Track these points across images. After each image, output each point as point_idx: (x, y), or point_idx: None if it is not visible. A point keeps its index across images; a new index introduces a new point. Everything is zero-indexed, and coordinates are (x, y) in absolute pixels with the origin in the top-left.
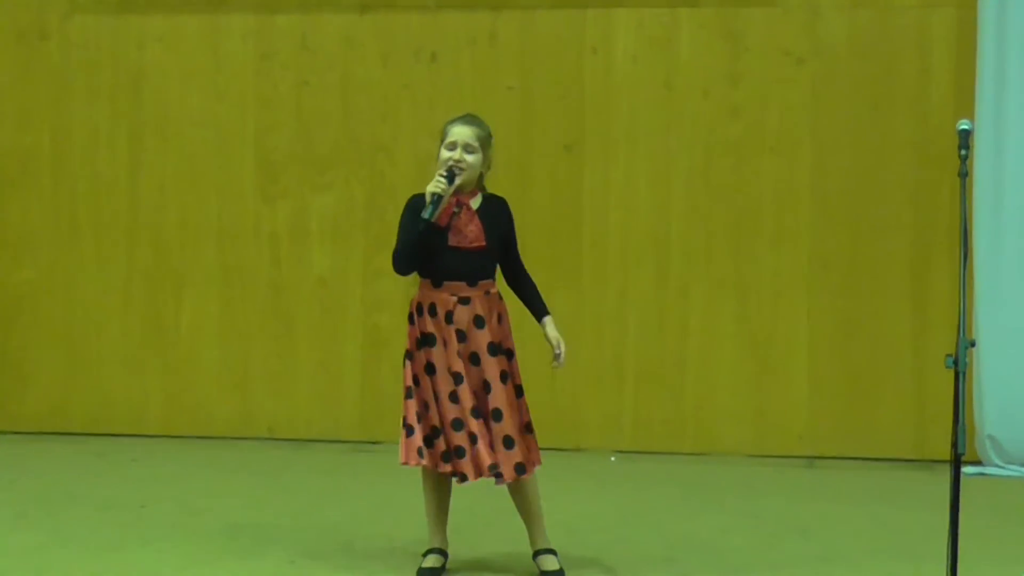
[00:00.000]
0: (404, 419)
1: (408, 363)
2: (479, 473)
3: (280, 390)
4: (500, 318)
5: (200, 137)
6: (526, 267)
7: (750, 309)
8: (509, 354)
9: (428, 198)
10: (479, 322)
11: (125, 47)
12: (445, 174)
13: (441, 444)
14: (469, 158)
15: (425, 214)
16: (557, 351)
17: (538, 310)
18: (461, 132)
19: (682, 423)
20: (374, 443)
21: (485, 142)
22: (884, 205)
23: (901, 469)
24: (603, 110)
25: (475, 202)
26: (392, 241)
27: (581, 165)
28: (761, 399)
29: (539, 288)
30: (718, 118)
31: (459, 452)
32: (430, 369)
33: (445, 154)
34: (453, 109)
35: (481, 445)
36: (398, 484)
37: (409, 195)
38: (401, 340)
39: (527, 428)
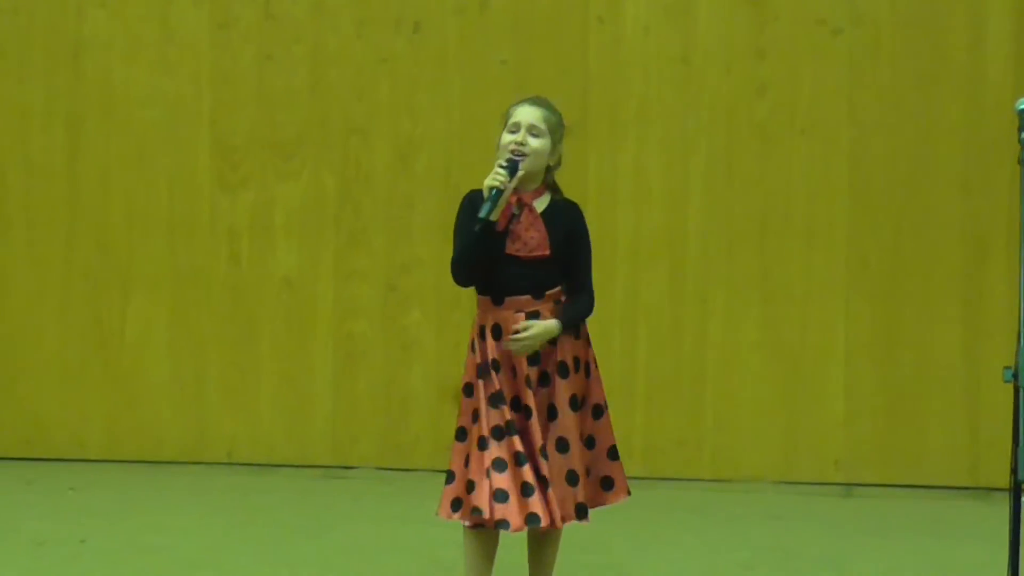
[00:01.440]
0: (450, 463)
1: (466, 399)
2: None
3: (240, 408)
4: (577, 332)
5: (148, 118)
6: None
7: (778, 315)
8: (587, 370)
9: (485, 193)
10: (550, 341)
11: (61, 14)
12: (505, 164)
13: (487, 485)
14: (534, 143)
15: (482, 212)
16: (516, 328)
17: (555, 316)
18: (526, 113)
19: (700, 445)
20: (348, 468)
21: (555, 128)
22: (932, 196)
23: (952, 498)
24: (610, 88)
25: (540, 203)
26: (368, 236)
27: (585, 151)
28: (791, 418)
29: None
30: (742, 97)
31: (526, 490)
32: (495, 400)
33: (506, 138)
34: (438, 86)
35: (537, 494)
36: (377, 516)
37: (387, 182)
38: (379, 350)
39: (611, 454)
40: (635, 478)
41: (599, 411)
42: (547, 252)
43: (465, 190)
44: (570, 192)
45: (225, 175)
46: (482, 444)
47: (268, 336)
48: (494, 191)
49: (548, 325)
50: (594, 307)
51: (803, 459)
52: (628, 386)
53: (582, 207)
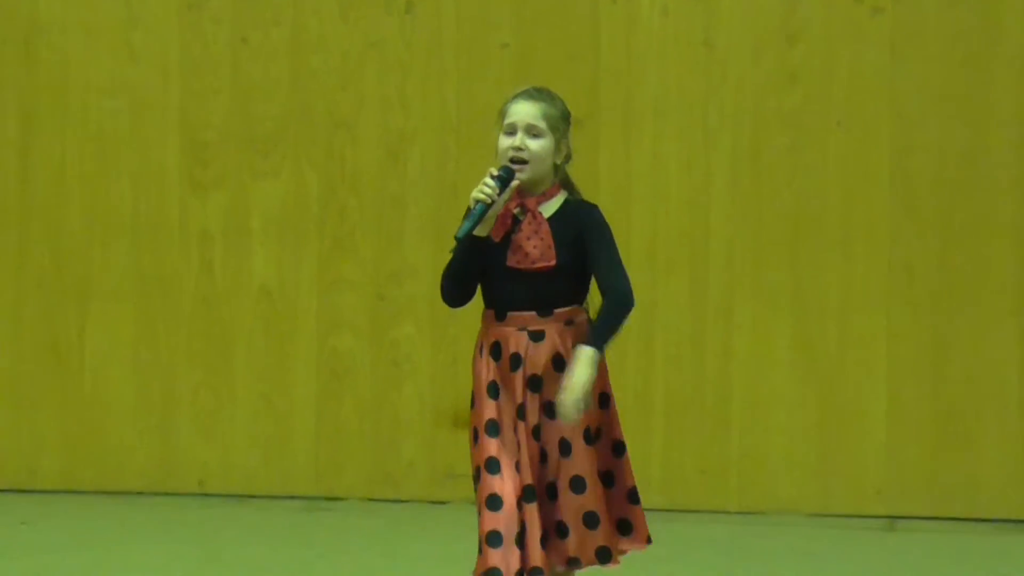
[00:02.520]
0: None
1: (473, 412)
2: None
3: (213, 432)
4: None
5: (110, 109)
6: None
7: (812, 330)
8: (603, 400)
9: (471, 204)
10: (558, 363)
11: None
12: (497, 174)
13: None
14: (534, 145)
15: (460, 230)
16: (561, 396)
17: (588, 334)
18: (522, 110)
19: (725, 474)
20: (333, 499)
21: (557, 123)
22: (984, 196)
23: (1006, 532)
24: (624, 75)
25: (550, 207)
26: (355, 241)
27: (596, 146)
28: (827, 444)
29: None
30: (771, 85)
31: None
32: (491, 429)
33: (503, 142)
34: (433, 74)
35: (529, 539)
36: (365, 553)
37: (376, 181)
38: (367, 367)
39: (631, 496)
40: (653, 510)
41: (620, 448)
42: (551, 263)
43: (463, 189)
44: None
45: (196, 173)
46: (478, 476)
47: (244, 352)
48: (478, 206)
49: (583, 359)
50: (631, 301)
51: (841, 489)
52: (645, 408)
53: None
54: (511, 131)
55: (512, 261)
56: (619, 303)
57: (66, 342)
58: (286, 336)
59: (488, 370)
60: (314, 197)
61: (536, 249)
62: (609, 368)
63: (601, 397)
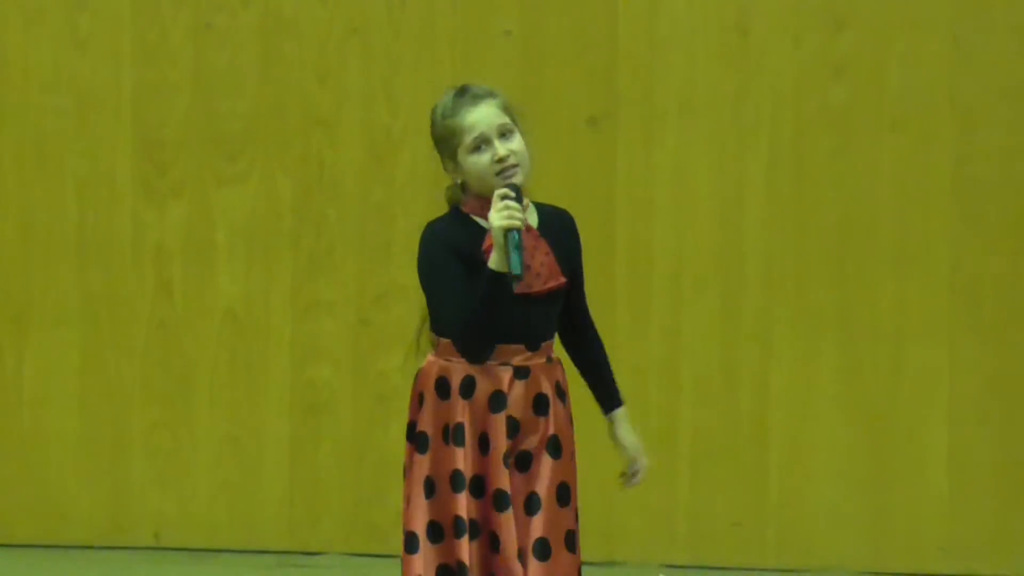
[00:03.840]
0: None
1: (413, 456)
2: None
3: (171, 477)
4: (564, 396)
5: (52, 107)
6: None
7: (862, 361)
8: (569, 450)
9: (501, 240)
10: (541, 406)
11: None
12: (512, 193)
13: None
14: (515, 145)
15: (514, 267)
16: (635, 467)
17: (609, 395)
18: (482, 115)
19: (762, 526)
20: (309, 555)
21: (514, 113)
22: None
23: None
24: (645, 67)
25: (531, 218)
26: (335, 257)
27: (612, 148)
28: (879, 492)
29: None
30: (815, 79)
31: None
32: (457, 482)
33: (480, 160)
34: (424, 65)
35: None
36: None
37: (359, 188)
38: (348, 402)
39: (568, 541)
40: (678, 567)
41: (567, 494)
42: (562, 280)
43: None
44: (594, 203)
45: (151, 180)
46: (411, 545)
47: (207, 386)
48: (514, 235)
49: (630, 428)
50: None
51: (896, 545)
52: (669, 451)
53: (609, 220)
54: (482, 144)
55: (522, 286)
56: (604, 350)
57: (1, 374)
58: (256, 367)
59: (455, 410)
60: (288, 206)
61: (545, 268)
62: (628, 403)
63: (566, 447)
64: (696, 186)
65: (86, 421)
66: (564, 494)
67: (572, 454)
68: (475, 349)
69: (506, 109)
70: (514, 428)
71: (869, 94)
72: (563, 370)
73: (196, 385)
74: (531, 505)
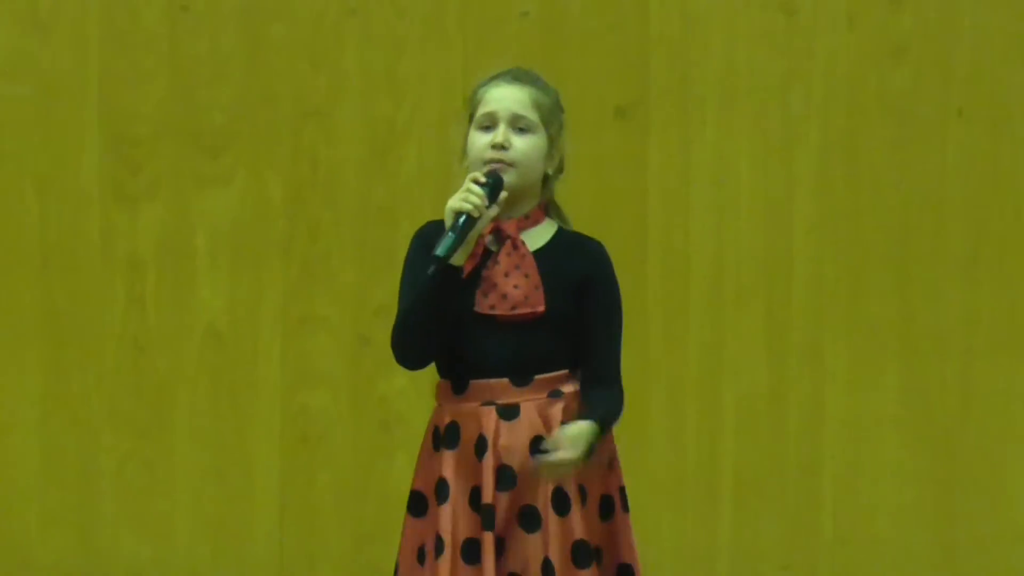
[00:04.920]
0: None
1: (405, 520)
2: None
3: (146, 517)
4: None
5: (10, 96)
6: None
7: (928, 379)
8: (606, 506)
9: (448, 221)
10: (537, 449)
11: None
12: (484, 179)
13: None
14: (521, 143)
15: (440, 247)
16: (544, 447)
17: (585, 414)
18: (504, 96)
19: (814, 569)
20: None
21: (551, 116)
22: None
23: None
24: (680, 50)
25: (536, 236)
26: (331, 266)
27: (643, 142)
28: (949, 529)
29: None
30: (871, 61)
31: None
32: (438, 547)
33: (478, 140)
34: (431, 48)
35: None
36: None
37: (358, 188)
38: (346, 431)
39: None
40: None
41: (586, 555)
42: (539, 309)
43: None
44: (622, 203)
45: (123, 180)
46: None
47: (186, 412)
48: (462, 219)
49: (582, 429)
50: (621, 411)
51: None
52: (709, 485)
53: (639, 224)
54: (490, 124)
55: (483, 306)
56: (620, 404)
57: None
58: (241, 391)
59: (441, 462)
60: (277, 209)
61: (519, 290)
62: (660, 432)
63: (604, 500)
64: (738, 184)
65: (48, 454)
66: (583, 555)
67: (605, 511)
68: (404, 346)
69: (540, 107)
70: (508, 479)
71: (934, 78)
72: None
73: (174, 412)
74: (546, 572)
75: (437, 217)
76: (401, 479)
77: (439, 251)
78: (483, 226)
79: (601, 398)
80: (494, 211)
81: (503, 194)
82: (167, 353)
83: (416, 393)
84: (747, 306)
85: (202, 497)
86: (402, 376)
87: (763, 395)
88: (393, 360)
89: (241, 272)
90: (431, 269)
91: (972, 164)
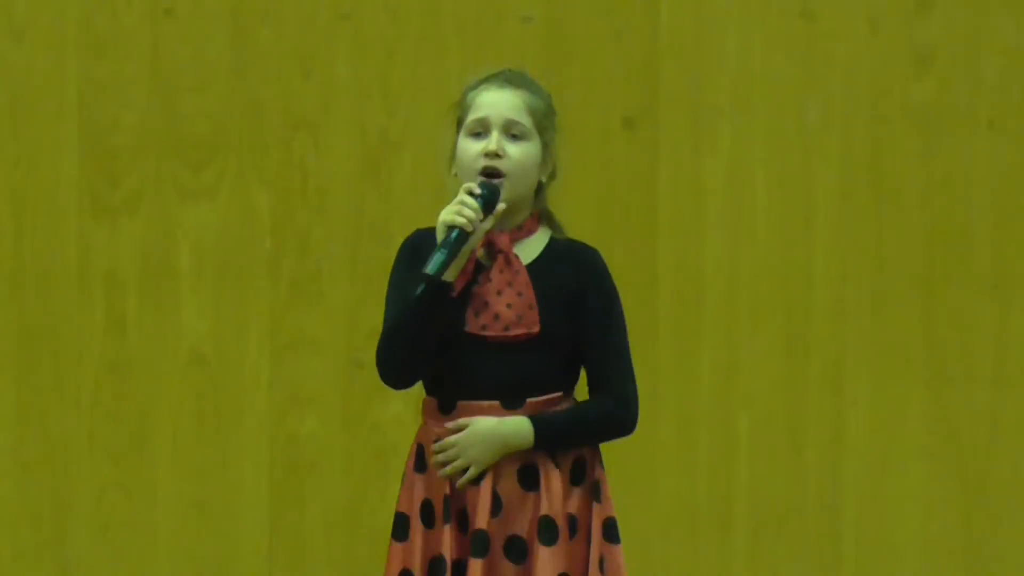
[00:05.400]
0: None
1: (390, 544)
2: None
3: (126, 551)
4: (582, 469)
5: None
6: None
7: (956, 406)
8: (610, 530)
9: (440, 235)
10: (528, 478)
11: None
12: (480, 190)
13: None
14: (515, 151)
15: (430, 264)
16: (436, 444)
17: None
18: (497, 101)
19: None
20: None
21: (544, 121)
22: None
23: None
24: (691, 58)
25: (529, 248)
26: (322, 284)
27: (653, 154)
28: (979, 567)
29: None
30: (896, 70)
31: None
32: (436, 569)
33: (469, 148)
34: (428, 56)
35: None
36: None
37: (351, 202)
38: (338, 461)
39: None
40: None
41: None
42: (533, 330)
43: None
44: (630, 219)
45: (101, 193)
46: None
47: (168, 440)
48: (455, 233)
49: (504, 428)
50: (630, 421)
51: None
52: (721, 520)
53: (649, 240)
54: (481, 130)
55: (474, 326)
56: (611, 414)
57: None
58: (227, 417)
59: (427, 486)
60: (265, 224)
61: (512, 309)
62: (671, 462)
63: (608, 524)
64: (753, 200)
65: (23, 484)
66: None
67: (588, 538)
68: (389, 365)
69: (535, 112)
70: (497, 505)
71: (962, 87)
72: None
73: (155, 440)
74: None
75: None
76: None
77: (429, 269)
78: (476, 241)
79: (578, 408)
80: (489, 224)
81: (500, 206)
82: (148, 377)
83: (413, 420)
84: (763, 328)
85: (185, 531)
86: (398, 402)
87: (780, 423)
88: (387, 387)
89: (226, 291)
90: (420, 288)
91: (1003, 178)
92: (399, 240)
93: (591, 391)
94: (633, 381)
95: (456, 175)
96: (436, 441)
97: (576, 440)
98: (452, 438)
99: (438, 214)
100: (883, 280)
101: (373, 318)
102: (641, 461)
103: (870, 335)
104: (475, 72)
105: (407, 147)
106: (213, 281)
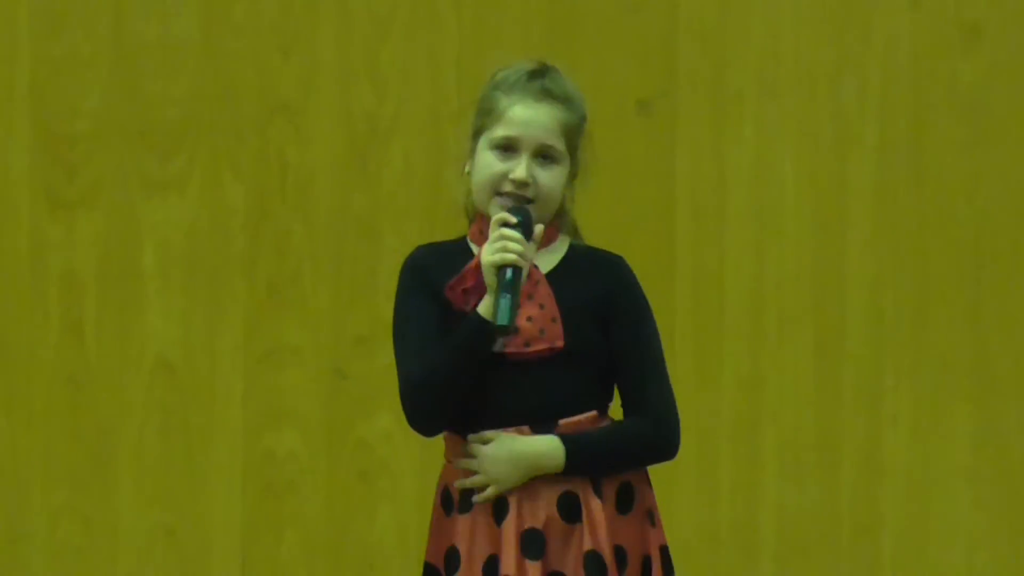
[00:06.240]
0: None
1: None
2: None
3: None
4: (629, 495)
5: None
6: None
7: (1004, 423)
8: (665, 561)
9: (489, 278)
10: (570, 509)
11: None
12: (514, 218)
13: None
14: (546, 177)
15: (501, 317)
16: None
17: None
18: (533, 120)
19: None
20: None
21: (576, 137)
22: None
23: None
24: (712, 35)
25: (546, 257)
26: (302, 287)
27: (670, 142)
28: None
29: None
30: (939, 48)
31: None
32: None
33: (494, 166)
34: (420, 32)
35: None
36: None
37: (334, 195)
38: (320, 482)
39: None
40: None
41: None
42: (558, 344)
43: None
44: (645, 213)
45: (57, 185)
46: None
47: (131, 459)
48: (509, 273)
49: (534, 447)
50: (672, 444)
51: None
52: (748, 547)
53: (666, 237)
54: (508, 148)
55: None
56: (651, 435)
57: None
58: (197, 434)
59: (453, 529)
60: (240, 221)
61: (533, 323)
62: (692, 480)
63: (663, 553)
64: (781, 192)
65: None
66: None
67: (641, 571)
68: (424, 413)
69: (568, 131)
70: (536, 544)
71: (1012, 66)
72: None
73: (117, 459)
74: None
75: (423, 229)
76: (383, 537)
77: (503, 321)
78: (527, 272)
79: (614, 428)
80: (533, 251)
81: (538, 228)
82: (109, 390)
83: (402, 436)
84: (792, 337)
85: (150, 561)
86: (386, 416)
87: (811, 442)
88: (375, 398)
89: (196, 294)
90: (498, 343)
91: None
92: (387, 239)
93: (626, 411)
94: (672, 399)
95: (469, 175)
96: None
97: (612, 464)
98: (476, 448)
99: (435, 210)
100: (925, 283)
101: (359, 325)
102: (656, 483)
103: (911, 344)
104: (474, 50)
105: (397, 136)
106: (181, 283)
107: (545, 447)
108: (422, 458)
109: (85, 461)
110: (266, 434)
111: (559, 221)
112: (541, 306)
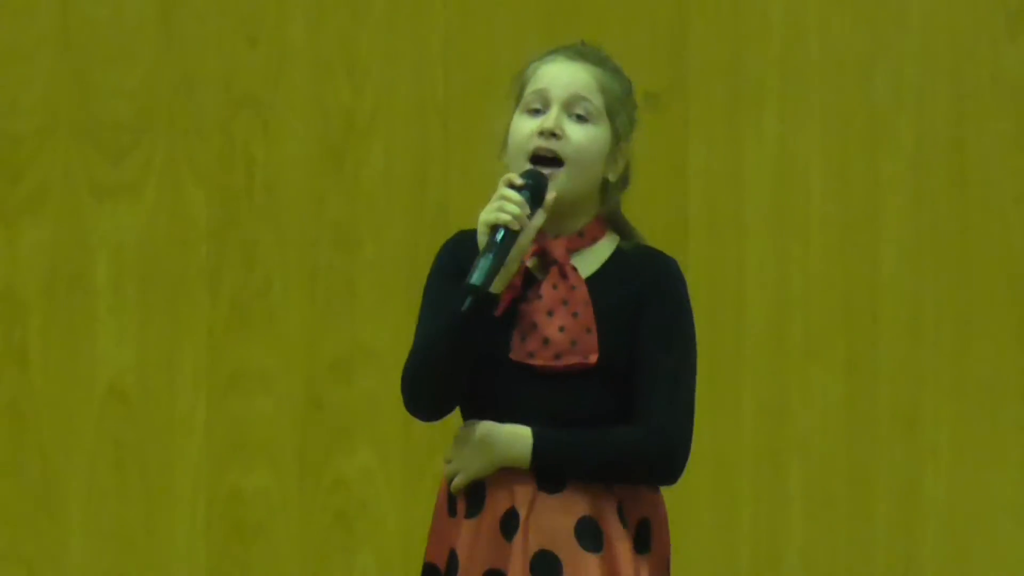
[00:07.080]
0: None
1: None
2: None
3: None
4: (648, 533)
5: None
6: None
7: None
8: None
9: (482, 237)
10: (590, 536)
11: None
12: (522, 182)
13: None
14: (578, 134)
15: (475, 275)
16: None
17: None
18: (563, 73)
19: None
20: None
21: (618, 106)
22: None
23: None
24: (728, 22)
25: (588, 258)
26: (272, 304)
27: (682, 138)
28: None
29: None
30: (982, 31)
31: None
32: None
33: (524, 125)
34: (402, 18)
35: None
36: None
37: (307, 200)
38: (292, 525)
39: None
40: None
41: None
42: (591, 359)
43: (458, 215)
44: (654, 214)
45: None
46: None
47: (81, 498)
48: (500, 234)
49: (497, 434)
50: (667, 462)
51: None
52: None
53: (679, 242)
54: (540, 105)
55: (520, 352)
56: (644, 446)
57: None
58: (154, 469)
59: (458, 535)
60: (201, 228)
61: (565, 333)
62: (707, 509)
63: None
64: (807, 195)
65: None
66: None
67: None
68: (418, 392)
69: (607, 91)
70: (548, 568)
71: None
72: (653, 491)
73: (65, 497)
74: None
75: (406, 237)
76: None
77: (474, 279)
78: (527, 242)
79: (601, 431)
80: (540, 220)
81: (550, 195)
82: (55, 420)
83: (384, 474)
84: (819, 357)
85: None
86: (365, 450)
87: (841, 474)
88: (353, 430)
89: (153, 312)
90: (466, 303)
91: None
92: (366, 247)
93: (636, 419)
94: (681, 417)
95: (506, 163)
96: (473, 490)
97: (590, 470)
98: (451, 468)
99: (419, 216)
100: (968, 296)
101: (335, 346)
102: (671, 519)
103: (952, 366)
104: (462, 39)
105: (377, 132)
106: (136, 299)
107: (510, 434)
108: (405, 498)
109: (29, 501)
110: (232, 470)
111: (605, 219)
112: (575, 314)
